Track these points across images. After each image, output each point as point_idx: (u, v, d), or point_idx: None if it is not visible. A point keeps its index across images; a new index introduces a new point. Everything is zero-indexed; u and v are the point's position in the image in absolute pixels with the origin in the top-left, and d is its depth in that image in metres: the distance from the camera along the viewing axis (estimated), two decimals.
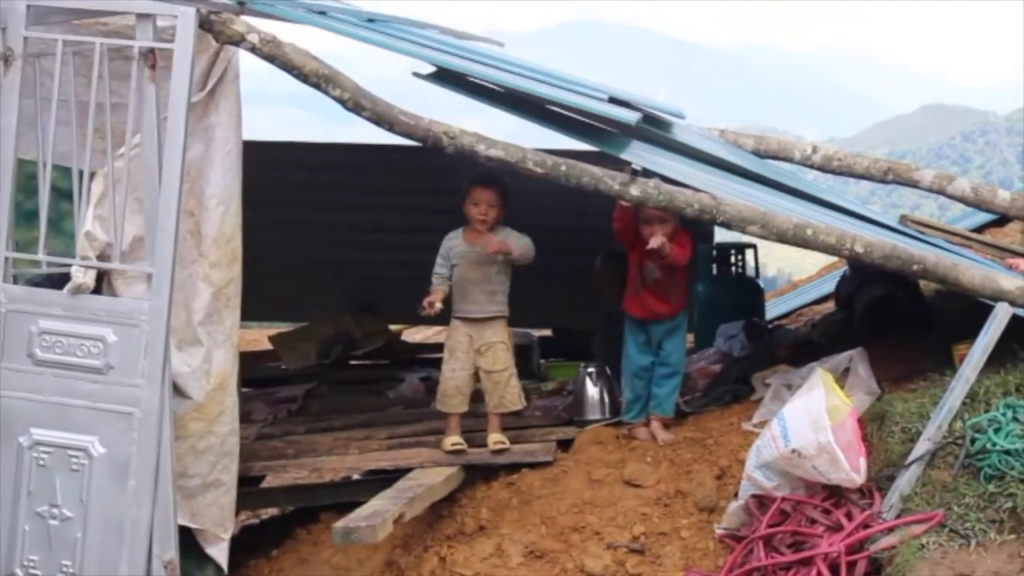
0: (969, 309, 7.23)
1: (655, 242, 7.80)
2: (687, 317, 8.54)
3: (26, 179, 7.17)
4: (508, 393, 8.07)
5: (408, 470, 7.87)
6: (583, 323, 10.74)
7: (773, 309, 13.47)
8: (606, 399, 8.55)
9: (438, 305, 8.12)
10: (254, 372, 11.05)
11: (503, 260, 8.00)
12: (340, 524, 6.94)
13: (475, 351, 8.03)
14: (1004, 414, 6.54)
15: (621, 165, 7.25)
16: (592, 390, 8.62)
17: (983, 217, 11.26)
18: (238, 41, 7.05)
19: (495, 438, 8.00)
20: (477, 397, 8.23)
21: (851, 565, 6.35)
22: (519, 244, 8.01)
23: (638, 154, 7.40)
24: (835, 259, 14.54)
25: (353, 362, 12.69)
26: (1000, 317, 6.82)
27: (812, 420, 6.70)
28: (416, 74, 7.79)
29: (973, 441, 6.48)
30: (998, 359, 6.84)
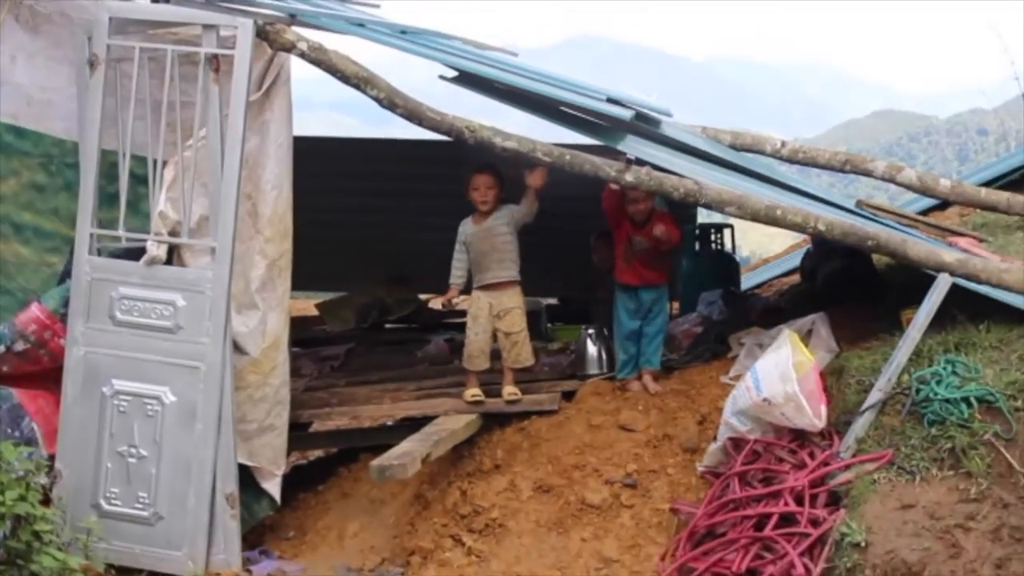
0: (915, 279, 7.21)
1: (658, 231, 7.95)
2: (669, 286, 8.54)
3: (108, 167, 7.17)
4: (522, 351, 8.08)
5: (433, 417, 7.89)
6: (583, 292, 10.70)
7: (747, 281, 13.37)
8: (604, 356, 8.56)
9: (455, 300, 8.29)
10: (302, 334, 11.02)
11: (508, 229, 8.00)
12: (376, 462, 6.99)
13: (495, 316, 8.03)
14: (945, 368, 6.54)
15: (617, 155, 7.26)
16: (592, 349, 8.63)
17: (927, 202, 11.22)
18: (289, 48, 7.06)
19: (509, 390, 8.00)
20: (492, 355, 8.23)
21: (813, 497, 6.38)
22: (520, 211, 8.05)
23: (632, 146, 7.37)
24: (800, 240, 14.50)
25: (387, 326, 12.71)
26: (941, 286, 6.84)
27: (780, 373, 6.70)
28: (442, 77, 7.79)
29: (918, 391, 6.48)
30: (940, 322, 6.82)
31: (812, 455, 6.62)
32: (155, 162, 7.16)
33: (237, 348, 7.16)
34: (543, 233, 8.27)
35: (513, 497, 7.32)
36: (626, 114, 7.46)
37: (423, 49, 7.84)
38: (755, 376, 6.84)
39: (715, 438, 7.18)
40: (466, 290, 8.33)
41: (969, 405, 6.36)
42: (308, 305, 13.53)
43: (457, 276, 8.18)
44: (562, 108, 7.75)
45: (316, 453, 9.98)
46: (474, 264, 8.10)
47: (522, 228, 8.05)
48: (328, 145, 11.20)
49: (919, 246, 7.24)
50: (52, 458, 6.93)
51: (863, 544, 6.01)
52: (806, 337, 7.42)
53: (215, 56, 6.95)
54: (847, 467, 6.43)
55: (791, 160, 9.85)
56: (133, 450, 6.97)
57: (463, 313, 8.54)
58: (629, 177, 7.13)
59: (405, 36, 7.95)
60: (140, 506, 6.93)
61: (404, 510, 7.78)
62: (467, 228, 8.13)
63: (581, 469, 7.38)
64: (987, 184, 11.07)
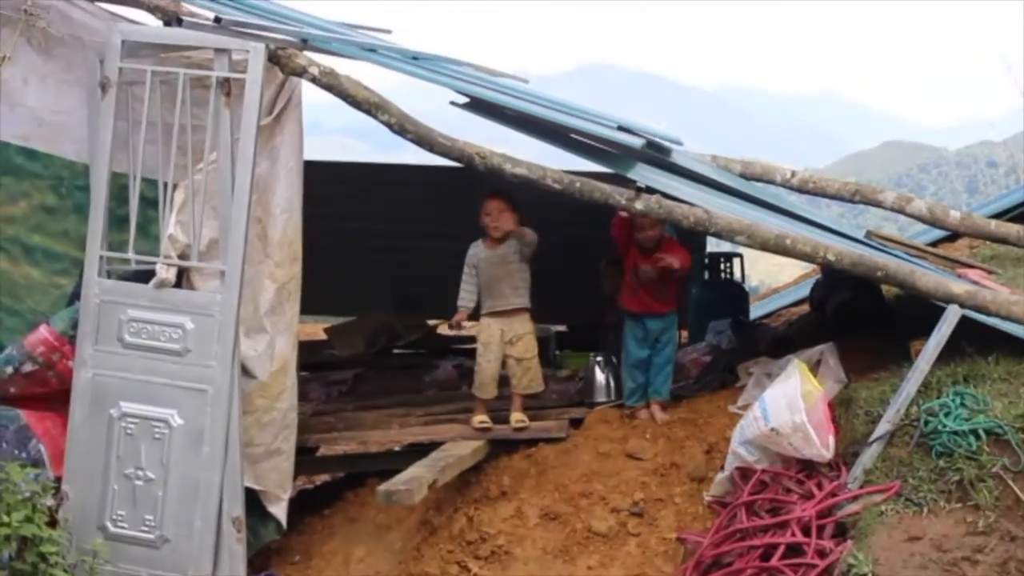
0: (924, 310, 7.19)
1: (665, 260, 8.00)
2: (677, 315, 8.52)
3: (119, 189, 7.16)
4: (533, 378, 8.10)
5: (441, 443, 7.89)
6: (592, 320, 10.68)
7: (756, 310, 13.40)
8: (612, 384, 8.57)
9: (464, 324, 8.37)
10: (311, 358, 11.00)
11: (519, 257, 8.00)
12: (383, 488, 7.00)
13: (507, 342, 8.02)
14: (953, 400, 6.53)
15: (627, 183, 7.25)
16: (600, 376, 8.64)
17: (937, 234, 11.20)
18: (301, 72, 7.08)
19: (517, 416, 7.99)
20: (501, 383, 8.21)
21: (820, 528, 6.34)
22: (531, 240, 8.07)
23: (642, 174, 7.38)
24: (809, 269, 14.48)
25: (395, 351, 12.68)
26: (950, 317, 6.81)
27: (788, 403, 6.69)
28: (453, 103, 7.81)
29: (926, 423, 6.46)
30: (948, 354, 6.81)
31: (820, 486, 6.59)
32: (165, 185, 7.17)
33: (245, 372, 7.14)
34: (552, 260, 8.26)
35: (520, 524, 7.32)
36: (637, 142, 7.46)
37: (434, 75, 7.85)
38: (763, 406, 6.82)
39: (722, 467, 7.16)
40: (473, 315, 8.32)
41: (977, 437, 6.34)
42: (317, 329, 13.53)
43: (467, 299, 8.17)
44: (572, 135, 7.77)
45: (323, 477, 10.00)
46: (485, 289, 8.09)
47: (535, 256, 8.06)
48: (339, 170, 11.26)
49: (928, 277, 7.22)
50: (59, 480, 6.90)
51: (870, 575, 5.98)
52: (815, 367, 7.42)
53: (227, 80, 6.95)
54: (855, 498, 6.40)
55: (801, 190, 9.84)
56: (140, 472, 6.93)
57: (471, 339, 8.54)
58: (639, 205, 7.11)
59: (416, 62, 7.96)
60: (146, 529, 6.90)
61: (410, 536, 7.76)
62: (479, 252, 8.12)
63: (588, 497, 7.37)
64: (997, 216, 11.04)
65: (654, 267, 8.05)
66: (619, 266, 8.56)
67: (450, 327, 8.40)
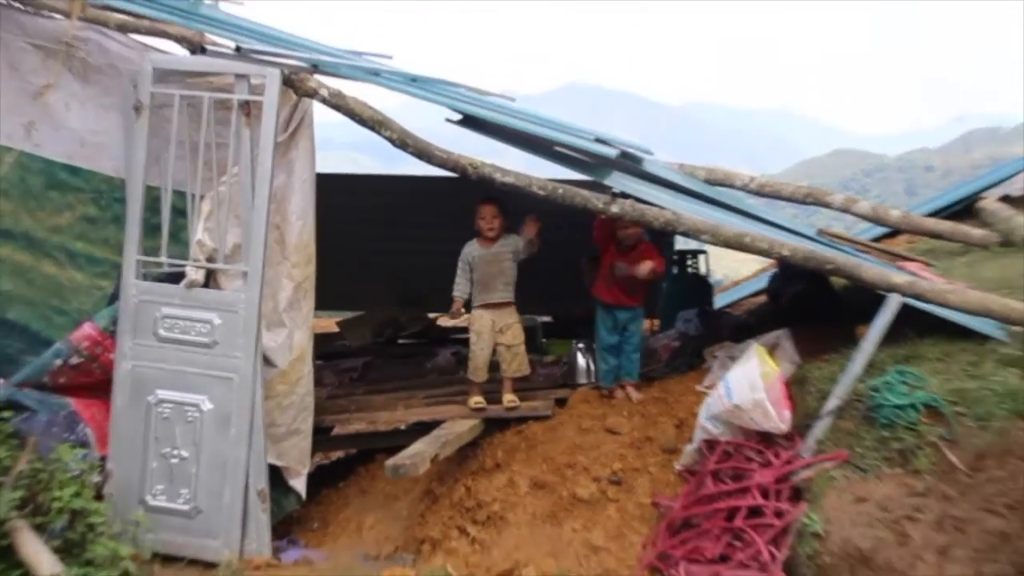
0: (868, 299, 7.21)
1: (644, 269, 8.00)
2: (646, 307, 8.53)
3: (152, 201, 7.17)
4: (521, 362, 8.09)
5: (441, 422, 7.89)
6: (574, 311, 10.70)
7: (720, 300, 13.41)
8: (592, 367, 8.57)
9: (460, 312, 8.30)
10: (325, 348, 11.02)
11: (513, 257, 8.02)
12: (390, 462, 7.00)
13: (497, 331, 8.04)
14: (895, 378, 6.53)
15: (604, 189, 7.28)
16: (582, 361, 8.65)
17: (880, 231, 11.24)
18: (312, 94, 7.09)
19: (508, 398, 8.01)
20: (492, 367, 8.23)
21: (778, 492, 6.38)
22: (520, 242, 8.09)
23: (617, 181, 7.38)
24: (767, 264, 14.48)
25: (399, 341, 12.68)
26: (892, 305, 6.83)
27: (749, 382, 6.71)
28: (448, 120, 7.81)
29: (871, 398, 6.48)
30: (891, 337, 6.81)
31: (777, 455, 6.62)
32: (193, 196, 7.18)
33: (267, 361, 7.17)
34: (539, 258, 8.27)
35: (512, 492, 7.29)
36: (612, 152, 7.46)
37: (431, 95, 7.85)
38: (727, 385, 6.85)
39: (691, 440, 7.17)
40: (465, 306, 8.36)
41: (916, 410, 6.35)
42: (330, 323, 13.50)
43: (461, 290, 8.19)
44: (555, 147, 7.77)
45: (337, 454, 9.98)
46: (479, 284, 8.11)
47: (523, 258, 8.09)
48: (347, 181, 11.25)
49: (872, 270, 7.23)
50: (104, 459, 6.94)
51: (822, 533, 6.01)
52: (772, 350, 7.41)
53: (246, 102, 6.99)
54: (808, 466, 6.42)
55: (758, 193, 9.85)
56: (175, 452, 6.98)
57: (466, 329, 8.55)
58: (615, 208, 7.15)
59: (415, 84, 7.96)
60: (181, 501, 6.95)
61: (415, 504, 7.78)
62: (473, 250, 8.14)
63: (572, 467, 7.36)
64: (933, 215, 11.11)
65: (630, 267, 8.09)
66: (597, 263, 8.60)
67: (450, 316, 8.43)
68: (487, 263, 8.05)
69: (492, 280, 8.04)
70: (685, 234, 7.44)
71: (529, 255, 8.06)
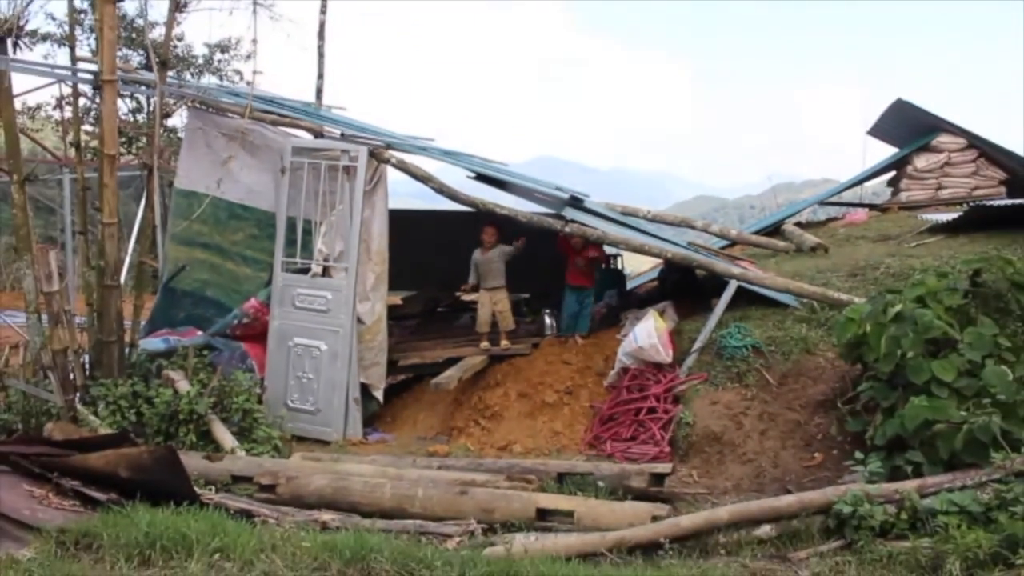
0: (719, 283, 7.23)
1: (594, 254, 7.98)
2: (594, 289, 8.48)
3: (291, 225, 7.17)
4: (508, 321, 8.00)
5: (463, 357, 7.81)
6: (544, 290, 10.64)
7: (630, 285, 13.30)
8: (553, 325, 8.47)
9: (471, 291, 8.25)
10: (393, 313, 10.75)
11: (502, 260, 7.92)
12: (434, 381, 7.11)
13: (493, 303, 7.98)
14: (734, 330, 6.59)
15: (561, 218, 7.27)
16: (548, 320, 8.49)
17: (724, 243, 11.23)
18: (386, 161, 7.06)
19: (504, 343, 7.92)
20: (493, 326, 8.15)
21: (665, 398, 6.41)
22: (508, 250, 7.94)
23: (569, 213, 7.36)
24: (658, 262, 14.45)
25: (439, 309, 12.60)
26: (732, 286, 6.88)
27: (647, 333, 6.72)
28: (468, 176, 7.82)
29: (720, 342, 6.52)
30: (732, 306, 6.85)
31: (665, 376, 6.64)
32: (316, 223, 7.15)
33: (359, 321, 7.10)
34: (521, 258, 8.19)
35: (506, 399, 7.28)
36: (565, 195, 7.50)
37: (457, 161, 7.94)
38: (634, 334, 6.85)
39: (614, 368, 7.16)
40: (474, 288, 8.30)
41: (747, 349, 6.42)
42: (396, 299, 13.36)
43: (472, 280, 8.09)
44: (533, 193, 7.79)
45: (400, 377, 9.91)
46: (481, 276, 7.99)
47: (509, 260, 8.02)
48: (407, 214, 11.08)
49: (721, 265, 7.28)
50: (263, 380, 6.93)
51: (691, 423, 6.05)
52: (662, 314, 7.40)
53: (348, 166, 6.96)
54: (683, 383, 6.46)
55: (653, 220, 9.89)
56: (305, 375, 6.97)
57: (475, 303, 8.48)
58: (568, 229, 7.16)
59: (449, 155, 7.99)
60: (309, 404, 6.94)
61: (448, 407, 7.69)
62: (477, 256, 7.99)
63: (542, 384, 7.32)
64: (756, 233, 11.12)
65: (584, 259, 8.06)
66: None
67: (464, 291, 8.26)
68: (485, 264, 7.95)
69: (489, 274, 7.93)
70: (611, 244, 7.50)
71: (513, 257, 7.99)
